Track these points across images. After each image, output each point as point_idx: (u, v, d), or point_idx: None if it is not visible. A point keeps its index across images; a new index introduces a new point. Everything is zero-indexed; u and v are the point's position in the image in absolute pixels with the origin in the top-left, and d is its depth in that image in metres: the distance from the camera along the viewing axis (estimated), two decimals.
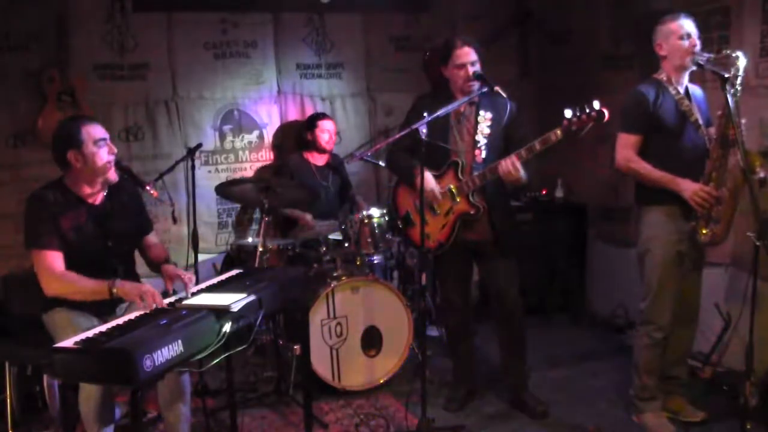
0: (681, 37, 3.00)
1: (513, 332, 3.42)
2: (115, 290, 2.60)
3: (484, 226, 3.29)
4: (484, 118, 3.24)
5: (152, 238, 3.12)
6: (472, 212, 3.23)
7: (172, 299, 2.60)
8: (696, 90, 3.16)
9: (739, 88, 2.85)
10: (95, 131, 2.75)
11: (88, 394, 2.60)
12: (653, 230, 3.11)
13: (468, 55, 3.20)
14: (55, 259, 2.69)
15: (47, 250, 2.68)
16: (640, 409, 3.26)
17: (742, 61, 2.85)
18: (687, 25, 3.01)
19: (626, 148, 3.07)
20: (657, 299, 3.12)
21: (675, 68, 3.05)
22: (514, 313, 3.38)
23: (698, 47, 2.99)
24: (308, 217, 4.34)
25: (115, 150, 2.81)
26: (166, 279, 2.82)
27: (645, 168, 3.04)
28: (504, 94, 3.17)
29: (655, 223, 3.10)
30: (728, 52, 2.90)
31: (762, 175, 2.92)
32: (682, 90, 3.07)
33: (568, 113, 2.94)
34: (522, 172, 3.06)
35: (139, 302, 2.51)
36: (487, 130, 3.23)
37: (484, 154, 3.21)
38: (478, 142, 3.23)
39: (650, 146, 3.07)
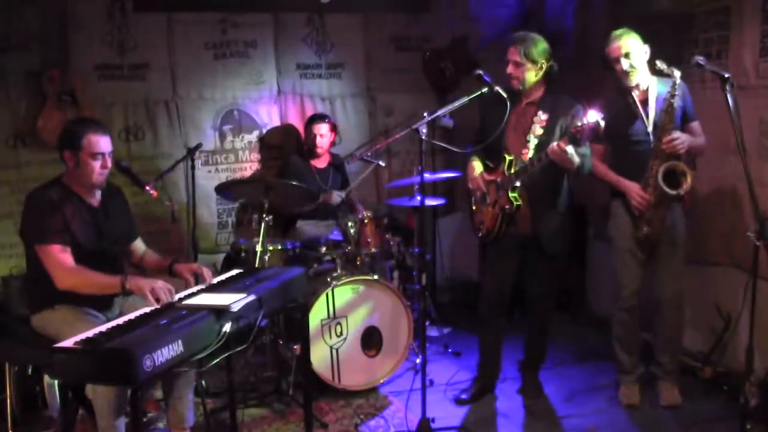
0: (614, 62, 3.27)
1: (535, 325, 3.66)
2: (127, 285, 2.62)
3: (526, 222, 3.35)
4: (540, 119, 3.27)
5: (140, 245, 3.16)
6: (507, 207, 3.28)
7: (175, 297, 2.60)
8: (662, 87, 3.26)
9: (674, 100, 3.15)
10: (97, 144, 2.77)
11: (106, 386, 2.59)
12: (614, 219, 3.48)
13: (508, 54, 3.30)
14: (66, 254, 2.73)
15: (57, 244, 2.72)
16: (618, 381, 3.60)
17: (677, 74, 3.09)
18: (613, 50, 3.25)
19: (593, 155, 3.35)
20: (618, 280, 3.47)
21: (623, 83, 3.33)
22: (538, 311, 3.59)
23: (624, 69, 3.21)
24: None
25: (109, 165, 2.83)
26: (185, 275, 2.83)
27: (600, 171, 3.43)
28: (505, 94, 3.18)
29: (616, 214, 3.46)
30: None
31: (680, 192, 3.16)
32: (635, 95, 3.30)
33: (577, 123, 3.00)
34: (570, 155, 3.06)
35: (150, 298, 2.50)
36: (540, 131, 3.26)
37: (531, 153, 3.24)
38: (528, 141, 3.28)
39: (612, 151, 3.43)
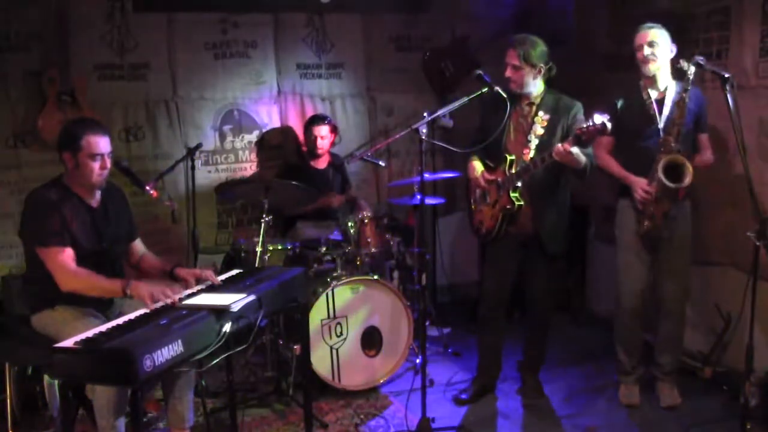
0: (636, 49, 3.26)
1: (535, 325, 3.67)
2: (128, 291, 2.62)
3: (527, 222, 3.35)
4: (542, 119, 3.28)
5: (139, 245, 3.15)
6: (508, 206, 3.29)
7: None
8: (677, 90, 3.24)
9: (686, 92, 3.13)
10: (96, 144, 2.75)
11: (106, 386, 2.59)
12: (620, 218, 3.47)
13: (506, 57, 3.29)
14: (68, 256, 2.73)
15: (57, 246, 2.71)
16: (618, 381, 3.61)
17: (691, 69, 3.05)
18: (639, 37, 3.25)
19: (598, 147, 3.39)
20: (621, 280, 3.47)
21: (642, 75, 3.31)
22: (538, 311, 3.60)
23: (645, 54, 3.20)
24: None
25: (108, 166, 2.82)
26: (187, 281, 2.81)
27: (608, 164, 3.43)
28: (505, 94, 3.18)
29: (622, 213, 3.46)
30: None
31: (680, 185, 3.11)
32: (653, 94, 3.28)
33: (583, 125, 2.99)
34: (576, 155, 3.07)
35: (150, 306, 2.48)
36: (541, 131, 3.28)
37: (532, 153, 3.25)
38: (529, 141, 3.29)
39: (619, 146, 3.43)
